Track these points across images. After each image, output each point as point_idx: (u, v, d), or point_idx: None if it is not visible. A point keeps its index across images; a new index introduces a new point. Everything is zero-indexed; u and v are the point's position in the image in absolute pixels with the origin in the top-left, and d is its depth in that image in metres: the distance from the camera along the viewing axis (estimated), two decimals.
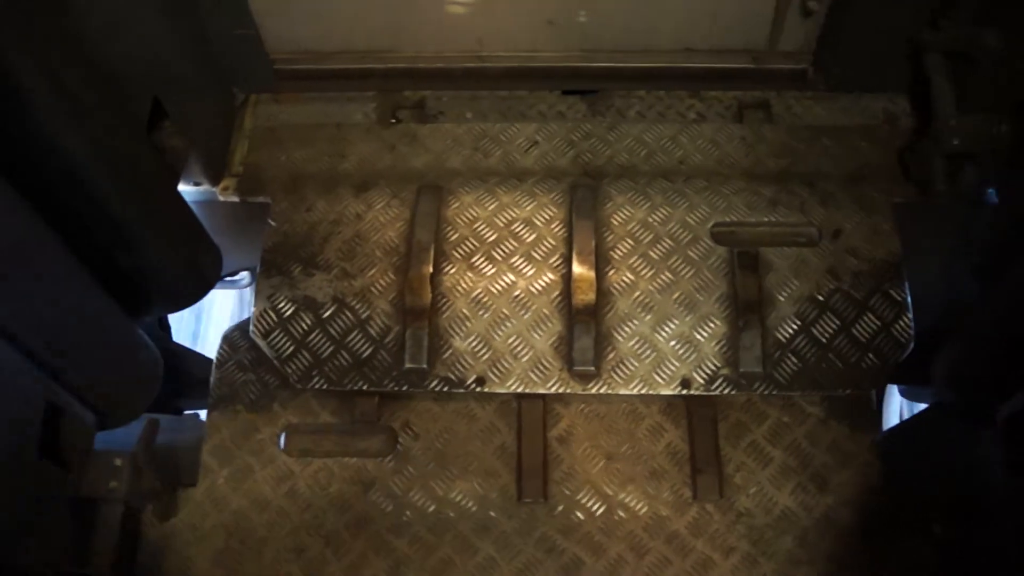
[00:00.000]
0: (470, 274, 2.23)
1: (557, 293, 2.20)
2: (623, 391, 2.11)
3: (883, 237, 2.23)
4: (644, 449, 2.10)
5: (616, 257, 2.23)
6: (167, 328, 2.80)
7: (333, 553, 2.03)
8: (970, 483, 2.00)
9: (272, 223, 2.31)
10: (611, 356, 2.13)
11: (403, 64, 2.48)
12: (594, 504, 2.06)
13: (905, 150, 2.32)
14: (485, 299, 2.20)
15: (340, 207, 2.33)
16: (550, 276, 2.22)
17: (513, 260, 2.24)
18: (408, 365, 2.14)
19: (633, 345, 2.14)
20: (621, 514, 2.05)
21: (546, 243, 2.26)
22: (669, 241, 2.25)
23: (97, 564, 1.89)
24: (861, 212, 2.26)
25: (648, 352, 2.14)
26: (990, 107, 2.11)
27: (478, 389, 2.11)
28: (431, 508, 2.06)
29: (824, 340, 2.13)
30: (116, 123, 1.81)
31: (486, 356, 2.15)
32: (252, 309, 2.24)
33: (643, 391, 2.11)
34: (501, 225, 2.29)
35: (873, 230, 2.24)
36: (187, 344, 3.04)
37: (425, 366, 2.13)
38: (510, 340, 2.16)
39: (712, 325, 2.16)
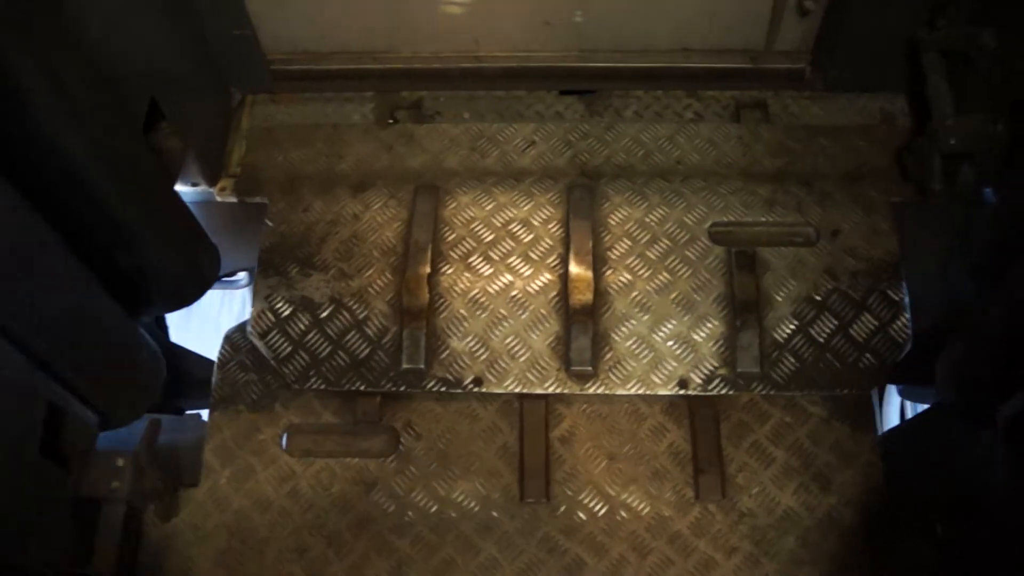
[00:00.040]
0: (467, 274, 2.23)
1: (554, 293, 2.20)
2: (620, 391, 2.11)
3: (881, 237, 2.23)
4: (646, 449, 2.10)
5: (613, 257, 2.23)
6: (164, 327, 2.80)
7: (335, 553, 2.03)
8: (971, 483, 2.00)
9: (269, 223, 2.31)
10: (608, 356, 2.13)
11: (400, 64, 2.48)
12: (596, 504, 2.06)
13: (903, 150, 2.32)
14: (482, 299, 2.20)
15: (337, 207, 2.33)
16: (547, 276, 2.22)
17: (510, 260, 2.24)
18: (406, 365, 2.13)
19: (630, 345, 2.14)
20: (623, 514, 2.04)
21: (543, 243, 2.26)
22: (666, 241, 2.25)
23: (98, 564, 1.89)
24: (859, 212, 2.26)
25: (645, 352, 2.14)
26: (987, 107, 2.11)
27: (475, 389, 2.11)
28: (433, 508, 2.06)
29: (822, 340, 2.13)
30: (114, 123, 1.81)
31: (484, 356, 2.15)
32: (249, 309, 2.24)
33: (640, 391, 2.10)
34: (498, 225, 2.29)
35: (871, 230, 2.24)
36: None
37: (423, 366, 2.13)
38: (507, 340, 2.16)
39: (709, 325, 2.15)
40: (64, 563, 1.82)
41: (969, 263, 2.18)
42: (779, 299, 2.17)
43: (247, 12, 2.27)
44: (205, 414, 2.24)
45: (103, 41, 1.77)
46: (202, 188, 2.38)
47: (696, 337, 2.15)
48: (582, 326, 2.14)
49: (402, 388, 2.12)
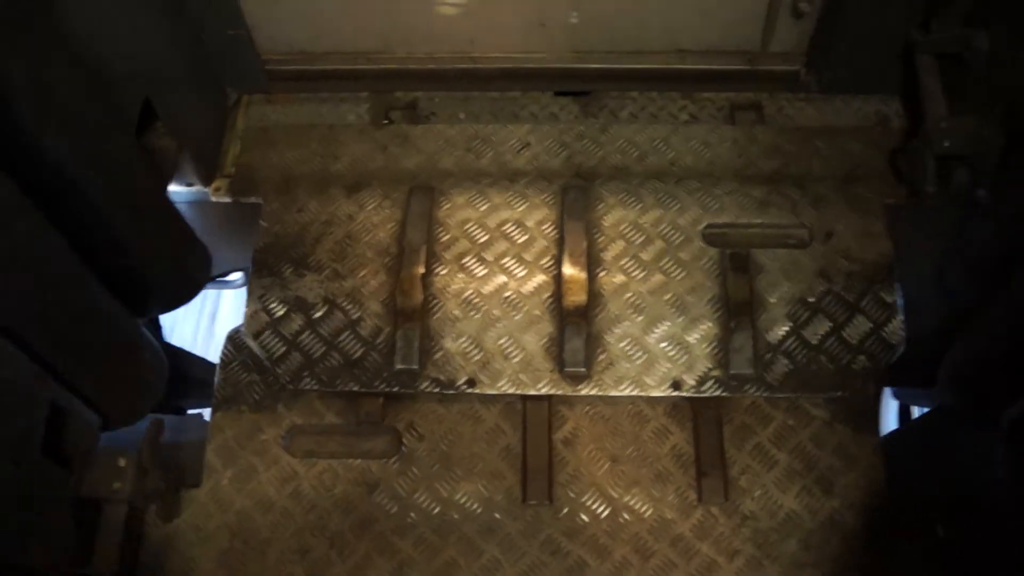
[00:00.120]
0: (461, 275, 2.23)
1: (548, 294, 2.20)
2: (614, 392, 2.11)
3: (874, 239, 2.23)
4: (649, 451, 2.10)
5: (607, 258, 2.23)
6: (159, 328, 2.80)
7: (337, 554, 2.02)
8: (973, 486, 2.00)
9: (263, 224, 2.31)
10: (602, 357, 2.13)
11: (395, 65, 2.48)
12: (599, 506, 2.05)
13: (897, 152, 2.32)
14: (476, 300, 2.20)
15: (332, 208, 2.33)
16: (541, 277, 2.22)
17: (504, 261, 2.24)
18: (399, 366, 2.13)
19: (624, 346, 2.14)
20: (626, 516, 2.04)
21: (537, 244, 2.26)
22: (660, 242, 2.25)
23: (99, 565, 1.89)
24: (853, 214, 2.26)
25: (639, 354, 2.14)
26: (981, 109, 2.11)
27: (468, 390, 2.11)
28: (436, 510, 2.06)
29: (815, 342, 2.13)
30: (105, 125, 1.81)
31: (477, 357, 2.15)
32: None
33: (634, 392, 2.10)
34: (493, 226, 2.29)
35: (864, 232, 2.24)
36: None
37: (416, 367, 2.13)
38: (501, 341, 2.16)
39: (703, 327, 2.15)
40: (65, 563, 1.81)
41: (964, 265, 2.19)
42: (773, 301, 2.17)
43: (242, 12, 2.27)
44: (207, 414, 2.24)
45: (95, 41, 1.77)
46: (197, 188, 2.38)
47: (690, 339, 2.15)
48: (576, 327, 2.14)
49: (395, 389, 2.12)
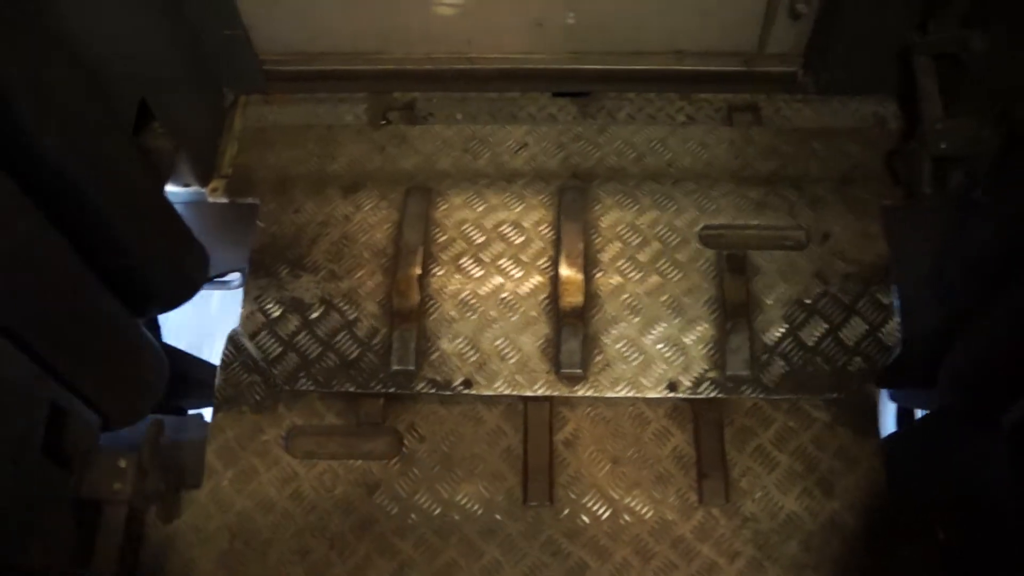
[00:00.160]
0: (458, 276, 2.23)
1: (545, 295, 2.20)
2: (610, 394, 2.11)
3: (871, 240, 2.23)
4: (650, 453, 2.10)
5: (604, 260, 2.23)
6: (157, 329, 2.80)
7: (338, 555, 2.02)
8: (975, 488, 2.00)
9: (260, 224, 2.31)
10: (598, 359, 2.13)
11: (393, 66, 2.48)
12: (600, 508, 2.05)
13: (894, 153, 2.32)
14: (473, 301, 2.20)
15: (329, 208, 2.33)
16: (538, 278, 2.22)
17: (501, 262, 2.24)
18: (395, 367, 2.13)
19: (620, 348, 2.14)
20: (627, 518, 2.04)
21: (534, 245, 2.26)
22: (657, 244, 2.25)
23: (99, 565, 1.89)
24: (850, 215, 2.26)
25: (635, 355, 2.14)
26: (978, 110, 2.11)
27: (465, 391, 2.11)
28: (436, 511, 2.06)
29: (811, 343, 2.13)
30: (102, 125, 1.81)
31: (473, 358, 2.15)
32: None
33: (630, 394, 2.11)
34: (489, 227, 2.29)
35: (861, 233, 2.24)
36: None
37: (412, 368, 2.13)
38: (497, 342, 2.16)
39: (699, 328, 2.15)
40: (65, 564, 1.81)
41: (961, 267, 2.19)
42: (769, 302, 2.17)
43: (239, 12, 2.27)
44: (208, 415, 2.24)
45: (92, 41, 1.77)
46: (194, 188, 2.38)
47: (686, 340, 2.15)
48: (572, 328, 2.14)
49: (392, 390, 2.12)
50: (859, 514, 2.02)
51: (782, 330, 2.14)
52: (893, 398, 2.74)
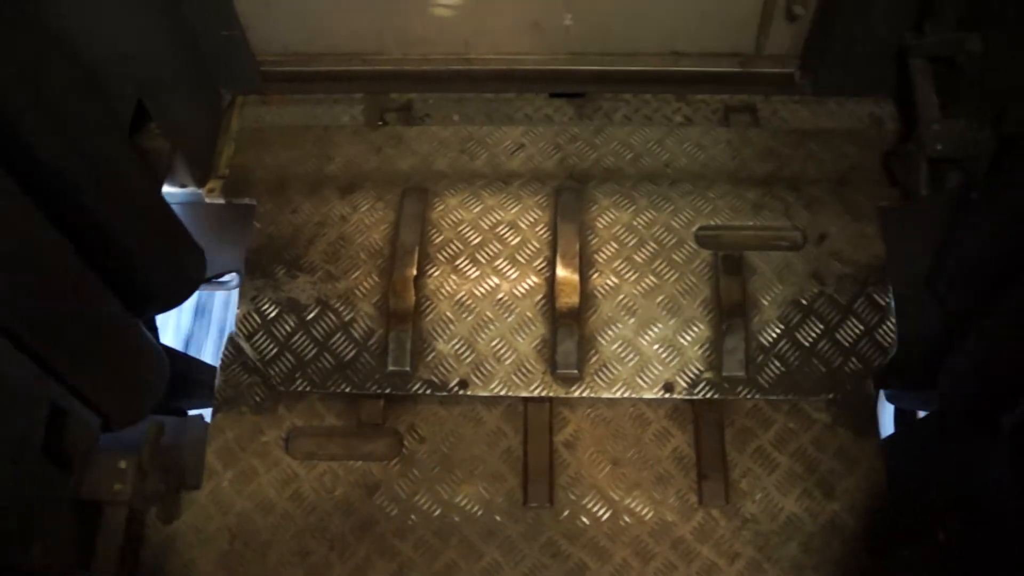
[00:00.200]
0: (454, 277, 2.23)
1: (541, 296, 2.20)
2: (606, 395, 2.11)
3: (867, 241, 2.23)
4: (650, 454, 2.10)
5: (600, 260, 2.23)
6: (155, 329, 2.80)
7: (338, 557, 2.03)
8: (975, 489, 2.00)
9: (257, 225, 2.31)
10: (594, 359, 2.13)
11: (390, 66, 2.48)
12: (600, 509, 2.06)
13: (890, 154, 2.32)
14: (469, 302, 2.20)
15: (325, 209, 2.33)
16: (534, 279, 2.22)
17: (497, 263, 2.24)
18: (391, 368, 2.13)
19: (616, 349, 2.14)
20: (627, 519, 2.04)
21: (530, 246, 2.26)
22: (653, 245, 2.25)
23: (100, 566, 1.89)
24: (846, 216, 2.26)
25: (631, 356, 2.14)
26: (974, 112, 2.11)
27: (461, 392, 2.11)
28: (436, 512, 2.06)
29: (808, 344, 2.13)
30: (98, 125, 1.82)
31: (469, 359, 2.15)
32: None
33: (626, 395, 2.11)
34: (486, 228, 2.29)
35: (858, 234, 2.24)
36: None
37: (408, 369, 2.13)
38: (493, 343, 2.16)
39: (695, 329, 2.15)
40: (65, 565, 1.82)
41: (957, 268, 2.19)
42: (765, 303, 2.17)
43: (236, 13, 2.27)
44: (208, 415, 2.24)
45: (88, 42, 1.77)
46: (191, 189, 2.38)
47: (682, 341, 2.15)
48: (568, 329, 2.14)
49: (387, 391, 2.12)
50: (859, 515, 2.02)
51: (778, 331, 2.14)
52: (890, 399, 2.74)
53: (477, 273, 2.23)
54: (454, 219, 2.30)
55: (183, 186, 2.37)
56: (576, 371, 2.11)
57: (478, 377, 2.13)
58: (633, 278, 2.21)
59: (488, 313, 2.19)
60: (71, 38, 1.71)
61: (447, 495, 2.07)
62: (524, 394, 2.11)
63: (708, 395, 2.09)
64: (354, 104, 2.50)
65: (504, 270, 2.23)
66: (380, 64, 2.48)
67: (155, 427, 1.99)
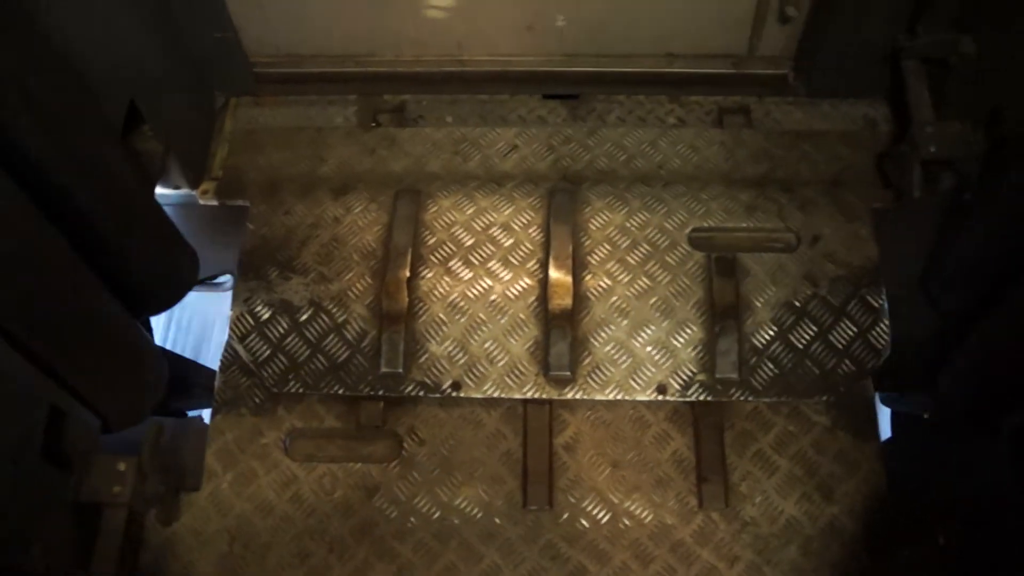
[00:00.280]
0: (447, 278, 2.23)
1: (534, 298, 2.20)
2: (599, 396, 2.10)
3: (861, 243, 2.22)
4: (650, 457, 2.10)
5: (593, 262, 2.23)
6: (149, 330, 2.80)
7: (337, 559, 2.02)
8: (975, 492, 2.00)
9: (250, 226, 2.31)
10: (587, 361, 2.13)
11: (383, 68, 2.48)
12: (599, 512, 2.05)
13: (884, 156, 2.32)
14: (462, 304, 2.20)
15: (318, 211, 2.32)
16: (527, 281, 2.22)
17: (490, 265, 2.24)
18: (384, 369, 2.13)
19: (609, 350, 2.14)
20: (626, 522, 2.04)
21: (523, 248, 2.26)
22: (647, 246, 2.25)
23: (99, 568, 1.88)
24: (840, 218, 2.26)
25: (624, 357, 2.13)
26: (967, 113, 2.11)
27: (453, 394, 2.11)
28: (436, 514, 2.06)
29: (801, 346, 2.13)
30: (90, 127, 1.81)
31: (462, 361, 2.14)
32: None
33: (619, 396, 2.10)
34: (479, 229, 2.29)
35: (851, 236, 2.24)
36: None
37: (401, 370, 2.13)
38: (486, 345, 2.16)
39: (688, 331, 2.15)
40: (65, 566, 1.81)
41: (950, 269, 2.19)
42: (759, 305, 2.17)
43: (229, 15, 2.27)
44: (207, 417, 2.23)
45: (80, 44, 1.77)
46: (184, 191, 2.38)
47: (675, 343, 2.14)
48: (561, 331, 2.14)
49: (380, 392, 2.12)
50: (859, 518, 2.02)
51: (771, 333, 2.14)
52: (885, 402, 2.73)
53: (470, 275, 2.23)
54: (447, 220, 2.30)
55: (176, 188, 2.37)
56: (569, 373, 2.11)
57: (471, 379, 2.13)
58: (626, 280, 2.21)
59: (481, 315, 2.19)
60: (63, 40, 1.71)
61: (447, 497, 2.07)
62: (517, 396, 2.11)
63: (701, 397, 2.09)
64: (347, 106, 2.50)
65: (497, 272, 2.23)
66: (373, 65, 2.48)
67: (155, 429, 1.98)
